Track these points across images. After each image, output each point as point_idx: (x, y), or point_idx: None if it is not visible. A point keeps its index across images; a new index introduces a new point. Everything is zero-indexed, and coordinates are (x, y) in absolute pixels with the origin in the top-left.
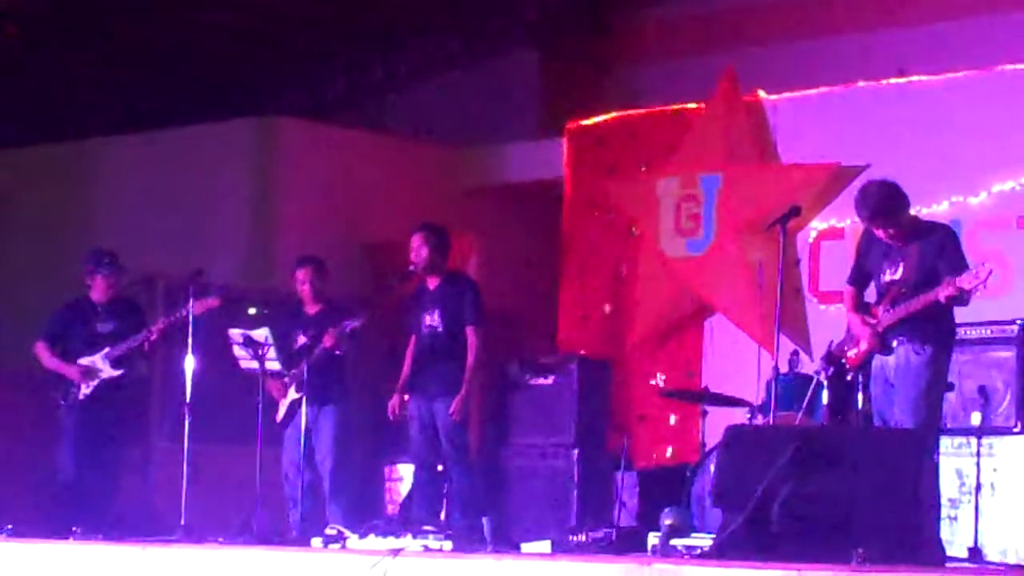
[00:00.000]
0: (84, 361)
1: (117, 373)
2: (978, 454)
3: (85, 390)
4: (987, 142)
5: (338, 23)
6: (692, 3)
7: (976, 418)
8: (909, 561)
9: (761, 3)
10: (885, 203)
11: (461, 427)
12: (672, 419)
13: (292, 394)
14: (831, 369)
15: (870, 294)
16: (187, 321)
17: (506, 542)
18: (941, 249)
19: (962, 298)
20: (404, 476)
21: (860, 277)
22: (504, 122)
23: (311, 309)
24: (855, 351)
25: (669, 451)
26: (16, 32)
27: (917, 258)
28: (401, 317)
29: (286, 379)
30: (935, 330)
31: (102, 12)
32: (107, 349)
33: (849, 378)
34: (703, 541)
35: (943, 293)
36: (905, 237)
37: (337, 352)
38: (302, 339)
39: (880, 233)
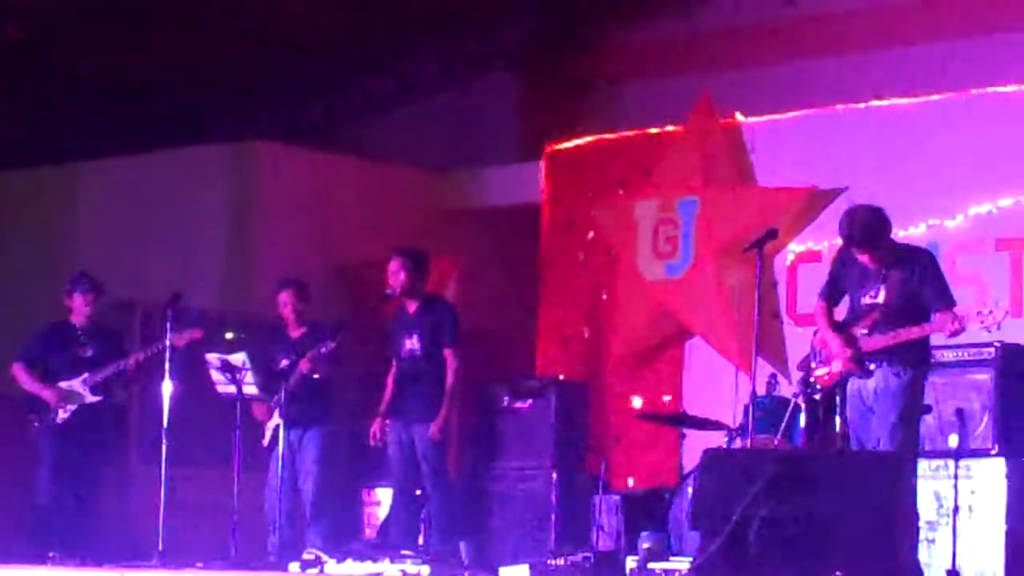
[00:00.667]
0: (63, 385)
1: (95, 399)
2: (955, 476)
3: (62, 414)
4: (964, 165)
5: (316, 47)
6: (670, 26)
7: (953, 440)
8: None
9: (739, 26)
10: (871, 228)
11: (439, 450)
12: (651, 442)
13: (276, 418)
14: (808, 392)
15: (840, 313)
16: (167, 351)
17: (484, 566)
18: (924, 275)
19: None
20: (382, 500)
21: (833, 293)
22: (482, 145)
23: (294, 332)
24: (826, 371)
25: (648, 474)
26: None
27: (899, 283)
28: (380, 340)
29: (271, 403)
30: (913, 353)
31: (79, 38)
32: (86, 375)
33: (818, 397)
34: (681, 564)
35: (948, 330)
36: (885, 261)
37: (315, 375)
38: (284, 362)
39: (863, 257)
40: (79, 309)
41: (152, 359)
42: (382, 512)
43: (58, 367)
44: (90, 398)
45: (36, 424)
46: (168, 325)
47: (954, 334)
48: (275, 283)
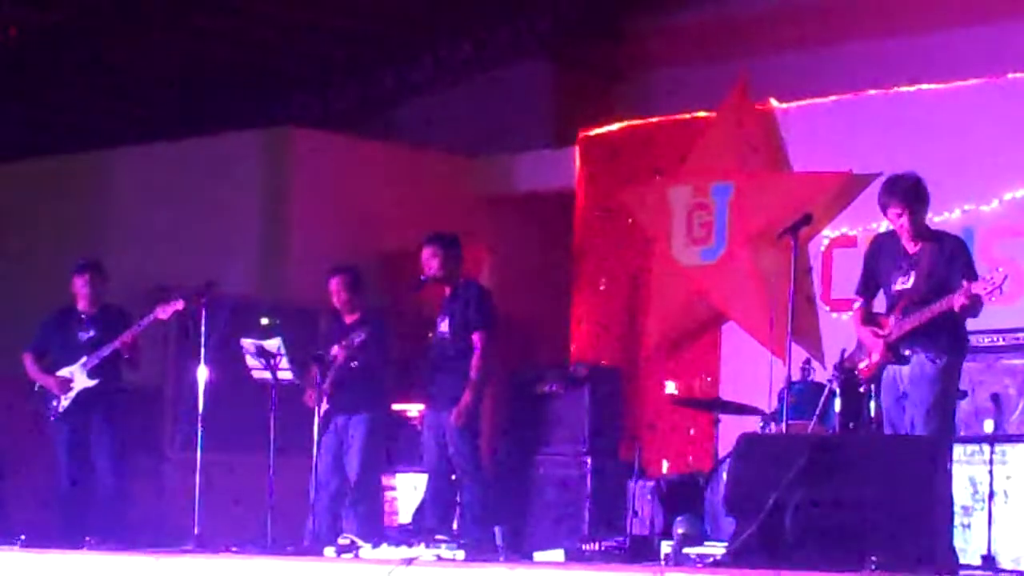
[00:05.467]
0: (63, 372)
1: (93, 383)
2: (991, 462)
3: (64, 402)
4: (999, 150)
5: (349, 33)
6: (704, 11)
7: (989, 426)
8: (922, 569)
9: (772, 11)
10: (917, 188)
11: (470, 436)
12: (685, 428)
13: (325, 405)
14: (843, 378)
15: (879, 304)
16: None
17: (519, 551)
18: (952, 259)
19: (975, 308)
20: (406, 485)
21: (869, 288)
22: (516, 131)
23: (348, 319)
24: (867, 363)
25: (683, 460)
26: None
27: (928, 267)
28: (416, 326)
29: (322, 387)
30: (949, 339)
31: (113, 23)
32: (84, 359)
33: (862, 389)
34: (716, 549)
35: (957, 302)
36: (917, 238)
37: (353, 364)
38: (335, 349)
39: (902, 223)
40: (80, 293)
41: (141, 335)
42: (404, 497)
43: (61, 353)
44: (87, 382)
45: (51, 416)
46: (203, 312)
47: (964, 307)
48: (325, 270)
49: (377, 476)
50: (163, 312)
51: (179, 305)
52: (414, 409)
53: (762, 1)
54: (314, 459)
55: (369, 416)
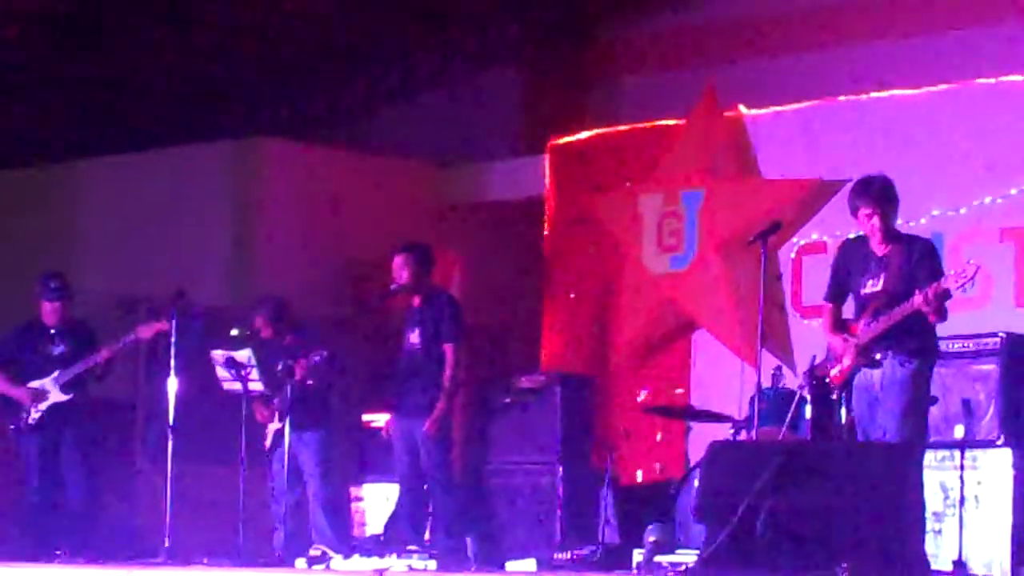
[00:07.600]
0: (34, 384)
1: (66, 397)
2: (962, 467)
3: (35, 414)
4: (969, 155)
5: (318, 41)
6: (673, 19)
7: (959, 431)
8: (894, 575)
9: (741, 18)
10: (887, 189)
11: (442, 446)
12: (657, 435)
13: (277, 422)
14: (814, 384)
15: (848, 310)
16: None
17: (491, 561)
18: (921, 261)
19: (941, 307)
20: (375, 495)
21: (838, 293)
22: (486, 139)
23: (284, 339)
24: (838, 368)
25: (654, 468)
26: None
27: (897, 270)
28: (383, 335)
29: (273, 404)
30: (920, 343)
31: (80, 36)
32: (57, 373)
33: (834, 396)
34: (688, 557)
35: (929, 293)
36: (887, 240)
37: (308, 383)
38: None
39: (873, 224)
40: (46, 310)
41: (120, 353)
42: (370, 509)
43: (30, 367)
44: (60, 396)
45: (11, 427)
46: (172, 321)
47: (937, 298)
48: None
49: (340, 489)
50: (144, 331)
51: (163, 326)
52: (381, 419)
53: (731, 8)
54: (271, 475)
55: (319, 434)
